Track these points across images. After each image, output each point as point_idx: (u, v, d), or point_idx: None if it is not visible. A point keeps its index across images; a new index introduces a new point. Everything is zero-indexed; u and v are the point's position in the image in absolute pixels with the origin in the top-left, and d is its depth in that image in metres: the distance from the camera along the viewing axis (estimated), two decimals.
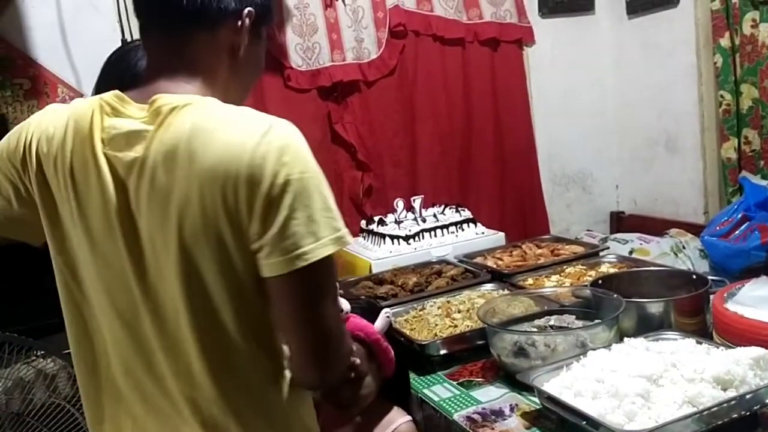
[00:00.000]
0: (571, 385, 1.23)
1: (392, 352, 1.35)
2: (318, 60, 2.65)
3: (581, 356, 1.32)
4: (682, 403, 1.12)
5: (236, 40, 0.98)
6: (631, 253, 2.56)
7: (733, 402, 1.11)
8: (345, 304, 1.31)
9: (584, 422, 1.12)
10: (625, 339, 1.36)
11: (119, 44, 2.44)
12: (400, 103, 2.81)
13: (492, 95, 2.93)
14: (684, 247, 2.60)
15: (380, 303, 1.81)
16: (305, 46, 2.61)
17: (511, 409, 1.34)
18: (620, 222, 3.20)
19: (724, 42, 2.53)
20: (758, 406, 1.14)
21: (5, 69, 2.30)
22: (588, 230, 3.12)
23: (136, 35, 2.43)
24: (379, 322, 1.36)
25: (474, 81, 2.91)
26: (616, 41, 3.10)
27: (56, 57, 2.36)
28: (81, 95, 2.40)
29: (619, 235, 2.82)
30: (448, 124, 2.88)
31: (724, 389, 1.14)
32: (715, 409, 1.10)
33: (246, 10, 0.98)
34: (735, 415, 1.12)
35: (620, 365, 1.23)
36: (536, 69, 3.04)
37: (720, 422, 1.11)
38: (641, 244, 2.65)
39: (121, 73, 1.41)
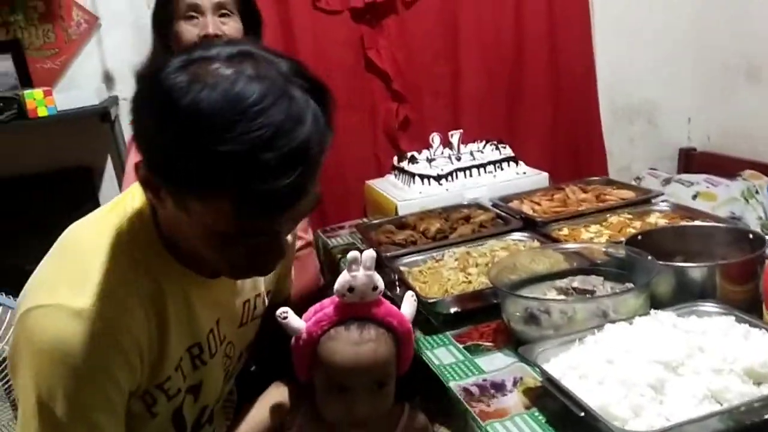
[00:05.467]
0: (578, 364, 1.07)
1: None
2: None
3: (599, 329, 1.15)
4: (703, 398, 0.94)
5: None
6: (695, 197, 2.31)
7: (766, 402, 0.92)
8: (380, 282, 1.11)
9: (582, 413, 0.97)
10: (652, 311, 1.18)
11: None
12: (442, 26, 2.56)
13: (547, 14, 2.64)
14: (757, 192, 2.32)
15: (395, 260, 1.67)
16: None
17: (514, 383, 1.20)
18: (690, 160, 2.91)
19: None
20: None
21: None
22: (652, 168, 2.85)
23: None
24: (409, 308, 1.17)
25: None
26: None
27: None
28: (96, 18, 2.29)
29: (684, 176, 2.56)
30: (495, 49, 2.63)
31: (758, 384, 0.95)
32: (743, 408, 0.92)
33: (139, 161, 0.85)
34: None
35: (637, 345, 1.06)
36: None
37: (748, 423, 0.93)
38: (708, 187, 2.39)
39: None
